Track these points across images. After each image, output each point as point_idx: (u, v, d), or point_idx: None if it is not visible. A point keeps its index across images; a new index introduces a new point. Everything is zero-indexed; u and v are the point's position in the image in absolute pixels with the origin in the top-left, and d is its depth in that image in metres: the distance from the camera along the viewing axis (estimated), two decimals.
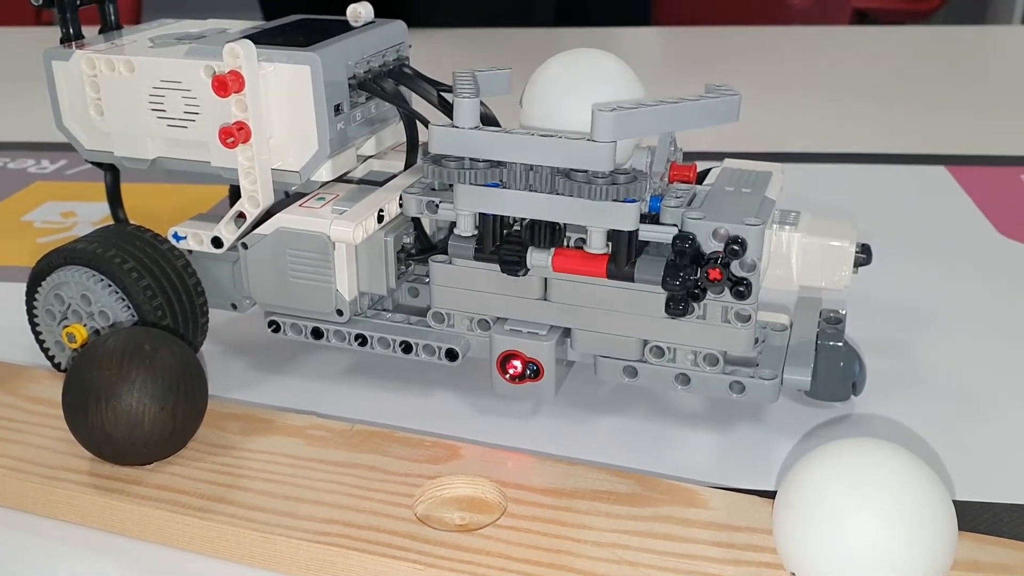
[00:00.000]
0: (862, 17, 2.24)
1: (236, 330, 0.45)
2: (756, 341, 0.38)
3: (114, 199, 0.44)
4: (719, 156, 0.65)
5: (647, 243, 0.34)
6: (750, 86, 0.86)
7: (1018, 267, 0.52)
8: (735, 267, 0.33)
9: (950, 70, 0.94)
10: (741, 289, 0.33)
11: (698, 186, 0.37)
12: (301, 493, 0.32)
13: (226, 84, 0.36)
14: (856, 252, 0.38)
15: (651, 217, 0.35)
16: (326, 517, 0.31)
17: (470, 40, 1.01)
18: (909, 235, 0.55)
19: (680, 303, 0.33)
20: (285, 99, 0.37)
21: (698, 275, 0.32)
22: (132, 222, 0.42)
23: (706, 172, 0.39)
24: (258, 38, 0.39)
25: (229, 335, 0.44)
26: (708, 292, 0.33)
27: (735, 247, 0.32)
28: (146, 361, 0.32)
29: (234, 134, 0.36)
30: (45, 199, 0.63)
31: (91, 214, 0.60)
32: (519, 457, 0.34)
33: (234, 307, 0.41)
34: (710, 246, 0.33)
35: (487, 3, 1.01)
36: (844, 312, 0.39)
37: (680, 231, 0.33)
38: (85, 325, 0.39)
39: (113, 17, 0.44)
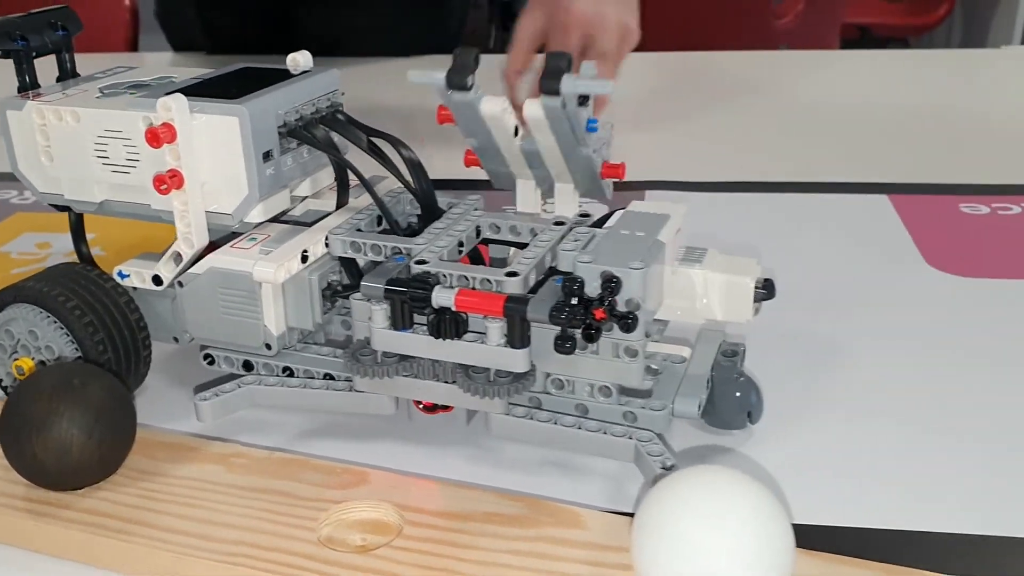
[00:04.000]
0: (863, 32, 2.26)
1: (180, 362, 0.47)
2: (655, 372, 0.40)
3: (77, 236, 0.47)
4: (668, 184, 0.68)
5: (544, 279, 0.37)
6: (720, 113, 0.89)
7: (940, 297, 0.54)
8: (621, 305, 0.35)
9: (906, 96, 0.95)
10: (628, 322, 0.35)
11: (598, 229, 0.39)
12: (215, 517, 0.35)
13: (158, 136, 0.38)
14: (757, 288, 0.41)
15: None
16: (235, 539, 0.33)
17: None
18: (839, 265, 0.57)
19: (567, 341, 0.35)
20: (216, 148, 0.40)
21: (585, 315, 0.35)
22: (94, 256, 0.45)
23: (611, 214, 0.41)
24: (196, 89, 0.42)
25: (173, 367, 0.47)
26: (601, 331, 0.36)
27: (611, 285, 0.34)
28: (75, 395, 0.35)
29: (167, 181, 0.39)
30: (23, 230, 0.66)
31: (66, 245, 0.62)
32: (421, 483, 0.37)
33: (176, 340, 0.44)
34: (596, 289, 0.35)
35: (428, 32, 1.03)
36: (743, 345, 0.42)
37: (570, 274, 0.35)
38: (33, 359, 0.42)
39: (69, 65, 0.47)
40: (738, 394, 0.40)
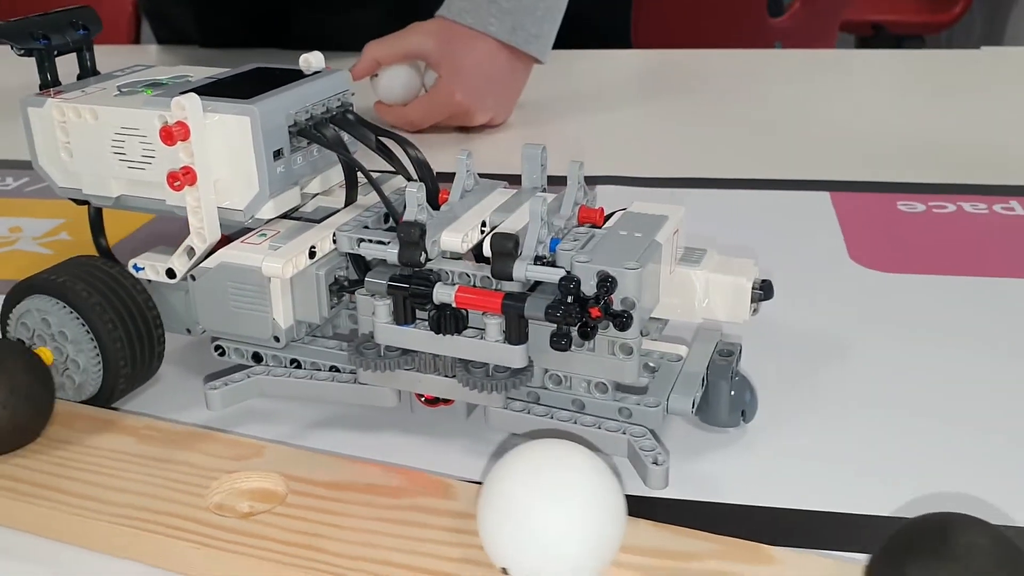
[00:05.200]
0: (878, 30, 2.26)
1: (192, 353, 0.49)
2: (652, 369, 0.41)
3: (96, 229, 0.48)
4: (617, 179, 0.70)
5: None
6: (681, 110, 0.91)
7: (856, 292, 0.55)
8: (617, 303, 0.36)
9: (864, 96, 0.97)
10: (623, 320, 0.36)
11: (598, 229, 0.40)
12: (119, 483, 0.38)
13: (171, 134, 0.40)
14: (754, 289, 0.42)
15: (549, 259, 0.38)
16: (133, 504, 0.36)
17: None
18: (767, 259, 0.57)
19: (563, 338, 0.36)
20: (228, 146, 0.41)
21: (580, 313, 0.36)
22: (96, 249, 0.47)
23: (612, 214, 0.42)
24: (210, 88, 0.43)
25: (186, 358, 0.49)
26: (598, 329, 0.37)
27: (607, 284, 0.35)
28: None
29: (180, 178, 0.41)
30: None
31: (35, 230, 0.66)
32: (312, 456, 0.39)
33: (188, 331, 0.45)
34: (592, 288, 0.36)
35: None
36: (740, 345, 0.42)
37: (567, 273, 0.36)
38: (49, 347, 0.43)
39: (89, 64, 0.48)
40: (733, 393, 0.41)
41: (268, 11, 1.13)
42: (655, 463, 0.36)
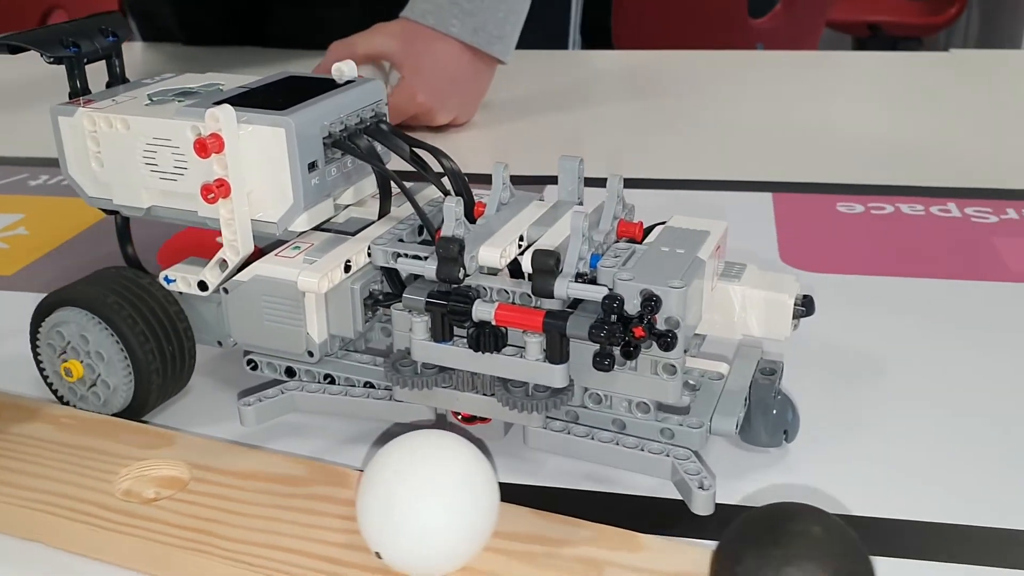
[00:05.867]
0: (874, 31, 2.24)
1: (224, 366, 0.48)
2: (693, 388, 0.40)
3: (124, 239, 0.48)
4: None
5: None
6: (641, 111, 0.91)
7: None
8: (661, 323, 0.36)
9: (818, 99, 0.98)
10: (668, 340, 0.35)
11: (638, 245, 0.40)
12: (33, 469, 0.39)
13: (206, 147, 0.39)
14: (796, 305, 0.41)
15: (590, 275, 0.37)
16: (44, 488, 0.37)
17: None
18: None
19: (607, 358, 0.36)
20: (263, 157, 0.41)
21: (624, 332, 0.35)
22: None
23: (652, 228, 0.41)
24: (243, 99, 0.43)
25: (218, 370, 0.48)
26: (641, 348, 0.36)
27: (651, 304, 0.35)
28: None
29: (214, 190, 0.40)
30: None
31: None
32: (220, 445, 0.40)
33: (219, 344, 0.45)
34: (636, 306, 0.36)
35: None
36: (782, 363, 0.42)
37: (610, 291, 0.36)
38: (82, 361, 0.43)
39: (119, 71, 0.48)
40: (775, 412, 0.40)
41: (247, 8, 1.13)
42: (701, 487, 0.36)
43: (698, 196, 0.71)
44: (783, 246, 0.62)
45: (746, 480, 0.40)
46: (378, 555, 0.32)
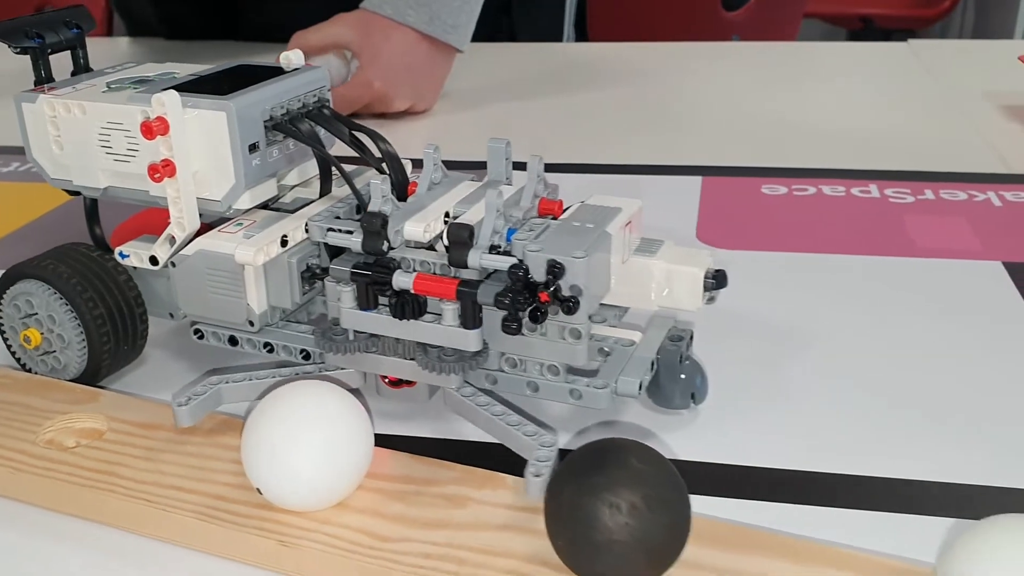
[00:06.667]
0: (867, 23, 2.26)
1: (178, 337, 0.51)
2: (606, 354, 0.43)
3: (92, 219, 0.51)
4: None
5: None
6: (588, 100, 0.96)
7: None
8: (566, 290, 0.38)
9: (757, 88, 1.02)
10: (571, 305, 0.38)
11: (553, 220, 0.42)
12: None
13: (151, 129, 0.42)
14: (707, 278, 0.43)
15: (505, 248, 0.40)
16: None
17: None
18: None
19: (514, 322, 0.38)
20: (206, 140, 0.44)
21: (530, 298, 0.38)
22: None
23: (571, 207, 0.44)
24: (191, 85, 0.45)
25: (172, 341, 0.51)
26: (547, 313, 0.39)
27: (555, 271, 0.38)
28: None
29: (160, 170, 0.43)
30: None
31: None
32: (139, 402, 0.44)
33: (171, 316, 0.48)
34: (543, 275, 0.38)
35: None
36: (691, 331, 0.44)
37: (519, 261, 0.39)
38: (41, 332, 0.46)
39: (83, 60, 0.51)
40: (683, 376, 0.43)
41: (225, 2, 1.17)
42: (536, 475, 0.36)
43: (639, 180, 0.75)
44: (701, 225, 0.65)
45: (656, 440, 0.43)
46: (259, 491, 0.36)
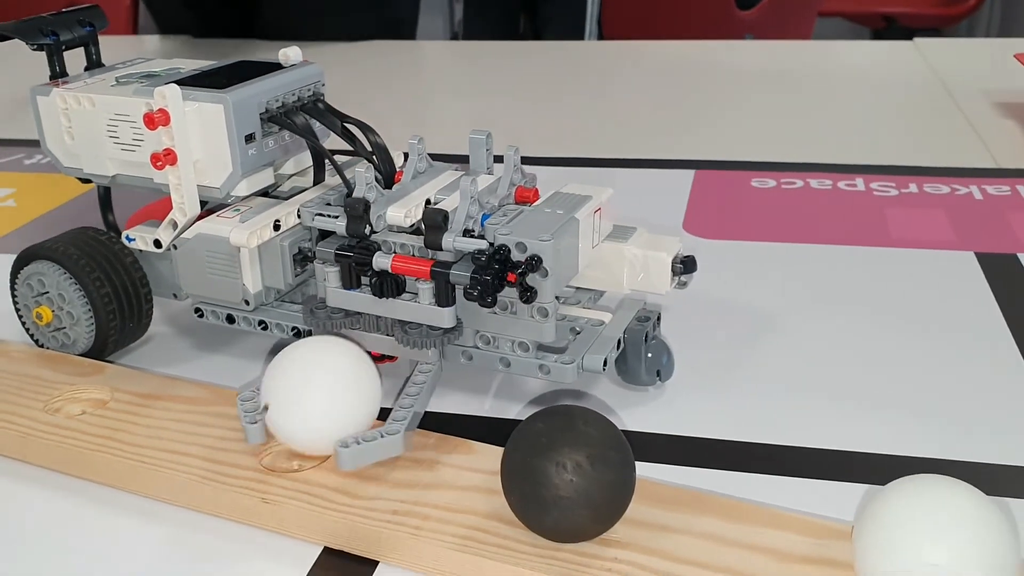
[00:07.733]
0: (890, 22, 2.26)
1: (183, 315, 0.55)
2: (576, 333, 0.46)
3: (104, 206, 0.54)
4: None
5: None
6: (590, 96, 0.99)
7: None
8: (532, 276, 0.41)
9: (752, 83, 1.05)
10: (528, 295, 0.41)
11: (527, 207, 0.45)
12: None
13: (153, 120, 0.45)
14: (675, 263, 0.46)
15: (479, 232, 0.43)
16: None
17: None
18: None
19: (475, 288, 0.41)
20: (205, 130, 0.47)
21: (497, 278, 0.41)
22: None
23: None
24: (194, 79, 0.49)
25: (175, 320, 0.54)
26: (504, 288, 0.41)
27: (532, 260, 0.40)
28: None
29: (162, 158, 0.46)
30: None
31: None
32: (141, 374, 0.47)
33: (175, 296, 0.51)
34: (515, 257, 0.41)
35: (351, 21, 1.12)
36: (658, 312, 0.47)
37: (490, 244, 0.41)
38: (52, 309, 0.49)
39: (95, 57, 0.54)
40: (649, 354, 0.46)
41: (250, 3, 1.21)
42: (344, 445, 0.39)
43: (634, 174, 0.77)
44: (689, 217, 0.68)
45: (615, 412, 0.45)
46: (266, 407, 0.39)
